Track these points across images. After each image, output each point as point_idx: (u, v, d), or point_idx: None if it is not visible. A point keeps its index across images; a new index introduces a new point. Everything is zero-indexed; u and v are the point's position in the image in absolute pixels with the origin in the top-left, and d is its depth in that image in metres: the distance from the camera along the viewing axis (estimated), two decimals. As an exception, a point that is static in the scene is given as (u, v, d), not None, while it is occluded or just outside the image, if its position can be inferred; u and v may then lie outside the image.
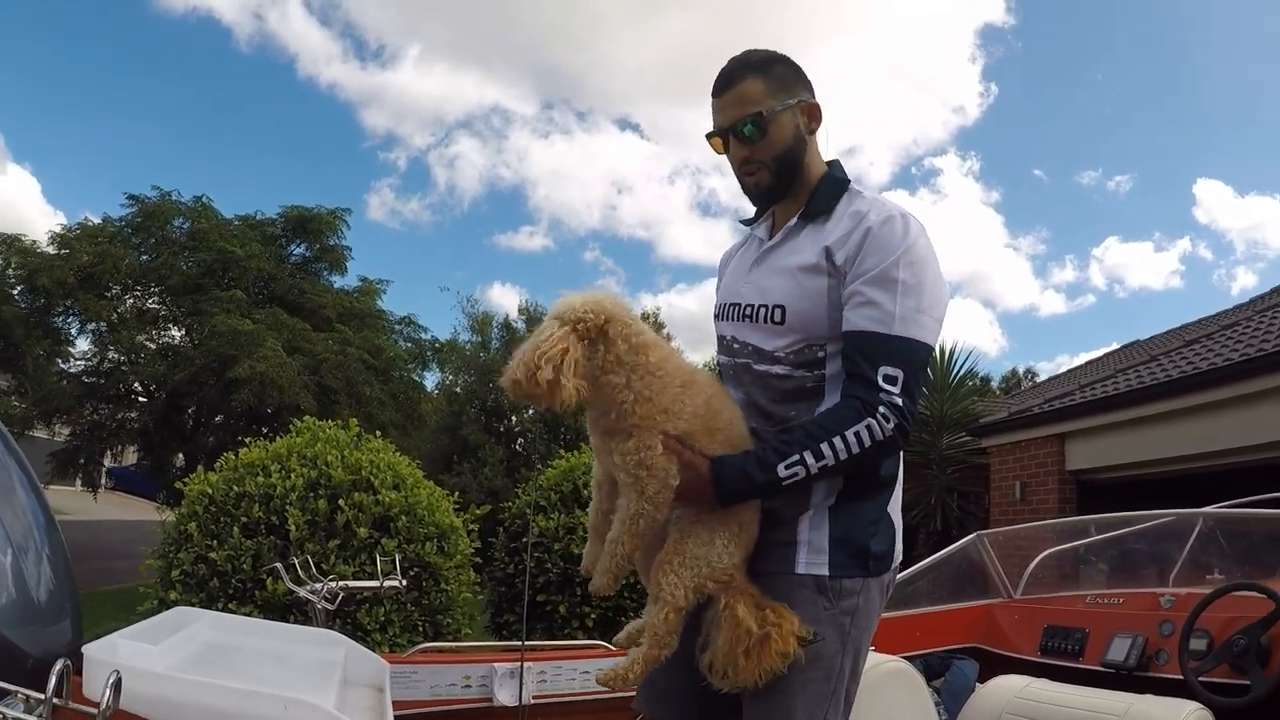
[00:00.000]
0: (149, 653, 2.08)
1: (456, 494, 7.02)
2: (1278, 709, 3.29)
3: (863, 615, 1.98)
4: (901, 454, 2.07)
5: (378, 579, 3.95)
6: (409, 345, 19.52)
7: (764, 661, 1.84)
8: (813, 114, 2.10)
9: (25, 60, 47.96)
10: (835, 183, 2.10)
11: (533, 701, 3.53)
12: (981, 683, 3.82)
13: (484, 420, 19.52)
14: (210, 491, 5.75)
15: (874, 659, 2.75)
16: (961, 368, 16.07)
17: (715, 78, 2.10)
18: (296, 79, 51.12)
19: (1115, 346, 20.06)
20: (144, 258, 17.03)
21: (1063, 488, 12.34)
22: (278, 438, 6.49)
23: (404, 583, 4.02)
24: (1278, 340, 9.64)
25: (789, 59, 2.12)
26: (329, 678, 2.40)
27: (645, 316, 21.78)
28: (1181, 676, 3.57)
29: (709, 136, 2.13)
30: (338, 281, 19.17)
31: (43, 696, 1.48)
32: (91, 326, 16.68)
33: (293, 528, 5.54)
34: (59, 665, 1.48)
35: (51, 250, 15.95)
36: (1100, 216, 62.80)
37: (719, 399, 1.98)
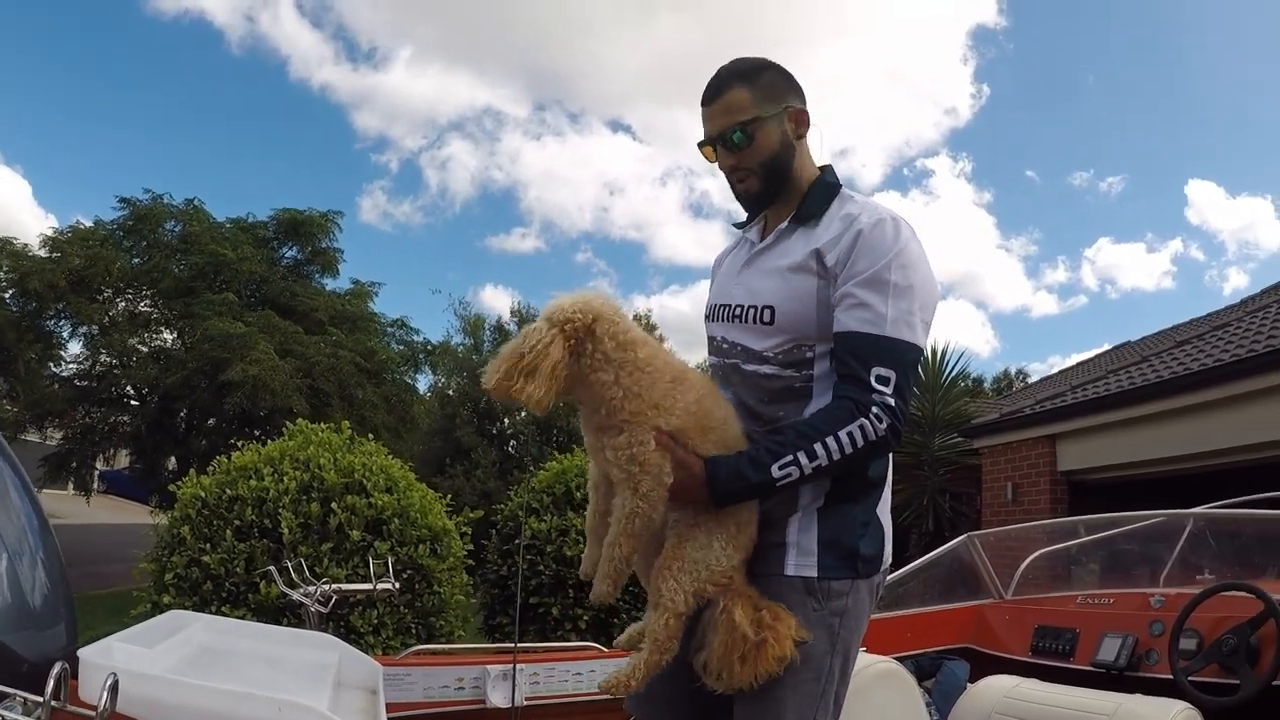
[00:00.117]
0: (144, 656, 2.09)
1: (449, 496, 7.03)
2: (1267, 708, 3.31)
3: (852, 617, 1.99)
4: (890, 457, 2.09)
5: (371, 582, 3.95)
6: (401, 348, 19.50)
7: (760, 665, 1.85)
8: (800, 120, 2.12)
9: (16, 62, 47.90)
10: (827, 187, 2.11)
11: (526, 703, 3.53)
12: (972, 683, 3.84)
13: (476, 422, 19.54)
14: (203, 495, 5.75)
15: (865, 660, 2.76)
16: (953, 369, 16.10)
17: (705, 87, 2.12)
18: (288, 81, 51.25)
19: (1107, 347, 20.14)
20: (135, 261, 16.98)
21: (1054, 488, 12.37)
22: (270, 441, 6.49)
23: (397, 585, 4.02)
24: (1268, 341, 9.68)
25: (778, 66, 2.14)
26: (323, 680, 2.41)
27: (637, 318, 21.78)
28: (1172, 676, 3.59)
29: (700, 145, 2.16)
30: (330, 284, 19.18)
31: (41, 699, 1.48)
32: (83, 330, 16.63)
33: (285, 531, 5.54)
34: (57, 668, 1.49)
35: (43, 253, 15.88)
36: (1092, 217, 63.04)
37: (711, 398, 1.99)
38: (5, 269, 15.62)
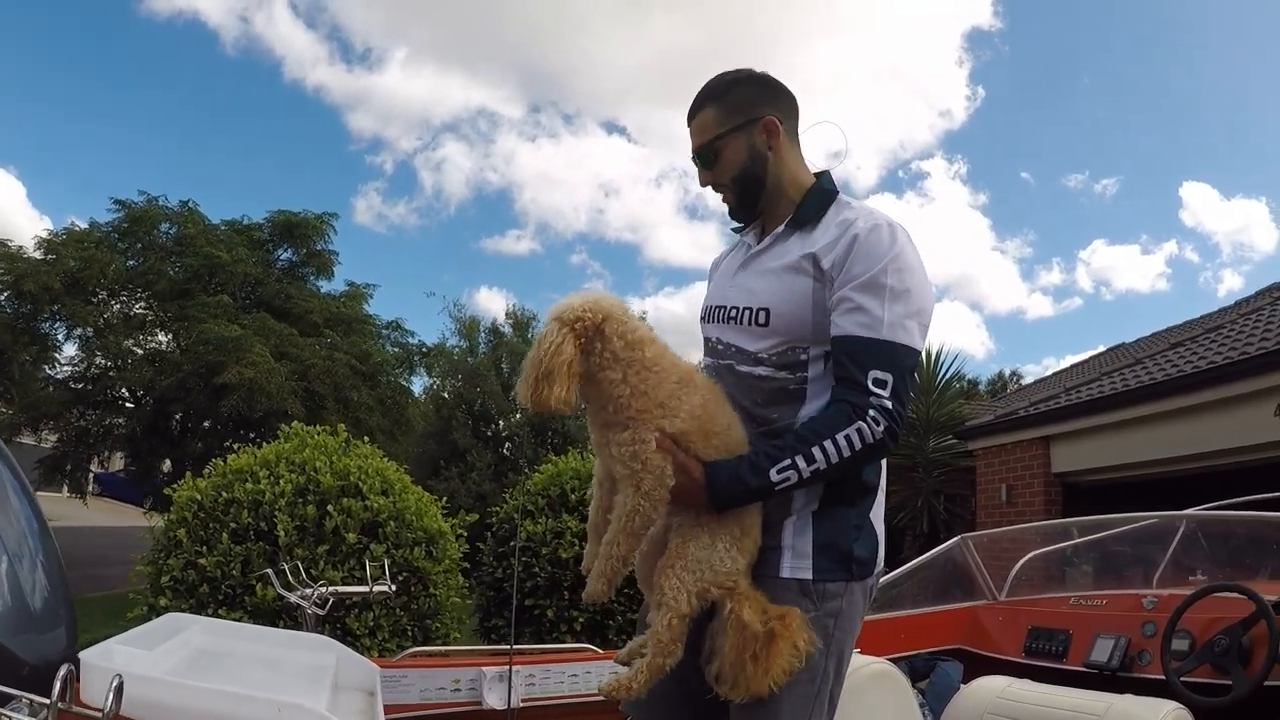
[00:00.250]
0: (145, 658, 2.11)
1: (444, 499, 7.03)
2: (1258, 708, 3.33)
3: (846, 618, 2.01)
4: (885, 461, 2.10)
5: (367, 584, 3.97)
6: (396, 350, 19.49)
7: (774, 664, 1.84)
8: (771, 130, 2.13)
9: (9, 63, 47.83)
10: (823, 193, 2.13)
11: (521, 705, 3.54)
12: (965, 684, 3.85)
13: (471, 425, 19.52)
14: (199, 498, 5.76)
15: (859, 660, 2.78)
16: (948, 371, 16.19)
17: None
18: (283, 82, 51.21)
19: (1102, 349, 20.20)
20: (131, 263, 16.95)
21: (1048, 490, 12.41)
22: (265, 444, 6.50)
23: (393, 588, 4.04)
24: (1261, 343, 9.72)
25: (757, 77, 2.17)
26: (320, 682, 2.42)
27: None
28: (1164, 677, 3.61)
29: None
30: (325, 286, 19.15)
31: (48, 701, 1.50)
32: (78, 332, 16.57)
33: (282, 533, 5.55)
34: (64, 670, 1.51)
35: (38, 255, 15.84)
36: (1087, 219, 63.25)
37: (716, 403, 2.00)
38: (0, 271, 15.59)
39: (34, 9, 47.42)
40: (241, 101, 54.50)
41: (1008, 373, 39.71)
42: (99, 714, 1.53)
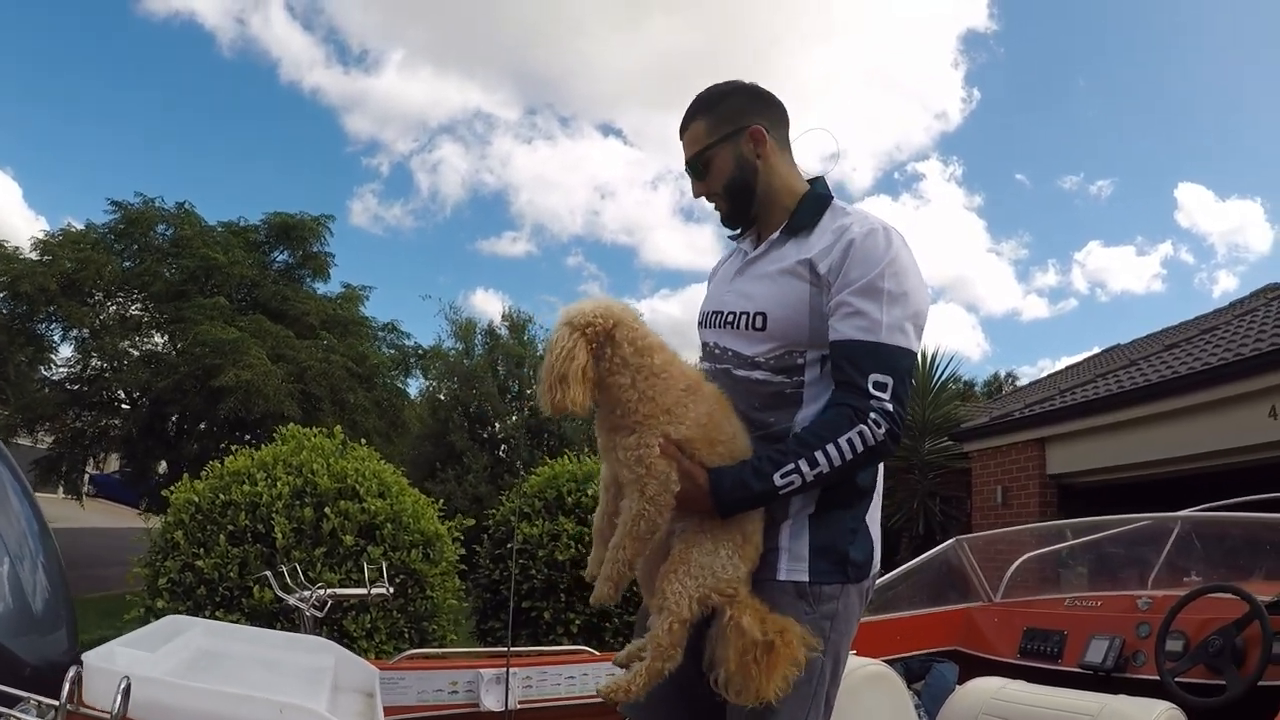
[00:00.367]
0: (146, 660, 2.12)
1: (441, 501, 7.04)
2: (1253, 709, 3.35)
3: (842, 620, 2.03)
4: (881, 465, 2.12)
5: (365, 586, 3.98)
6: (392, 352, 19.52)
7: (776, 668, 1.85)
8: (758, 139, 2.16)
9: (5, 64, 47.71)
10: (817, 199, 2.15)
11: (519, 707, 3.55)
12: (960, 685, 3.86)
13: (468, 427, 19.50)
14: (196, 500, 5.76)
15: (855, 662, 2.79)
16: (944, 373, 16.19)
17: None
18: (279, 84, 51.03)
19: (1097, 351, 20.24)
20: (127, 264, 16.98)
21: (1043, 492, 12.43)
22: (261, 446, 6.50)
23: (391, 590, 4.05)
24: (1255, 344, 9.75)
25: (745, 88, 2.21)
26: (320, 683, 2.43)
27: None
28: (1158, 677, 3.62)
29: None
30: (321, 288, 19.21)
31: (56, 703, 1.51)
32: (74, 333, 16.60)
33: (279, 536, 5.56)
34: (72, 672, 1.52)
35: (34, 256, 15.86)
36: (1082, 221, 63.18)
37: (722, 412, 2.01)
38: (-4, 272, 15.60)
39: (30, 9, 47.28)
40: (238, 103, 54.35)
41: (1003, 374, 39.78)
42: (107, 715, 1.54)
